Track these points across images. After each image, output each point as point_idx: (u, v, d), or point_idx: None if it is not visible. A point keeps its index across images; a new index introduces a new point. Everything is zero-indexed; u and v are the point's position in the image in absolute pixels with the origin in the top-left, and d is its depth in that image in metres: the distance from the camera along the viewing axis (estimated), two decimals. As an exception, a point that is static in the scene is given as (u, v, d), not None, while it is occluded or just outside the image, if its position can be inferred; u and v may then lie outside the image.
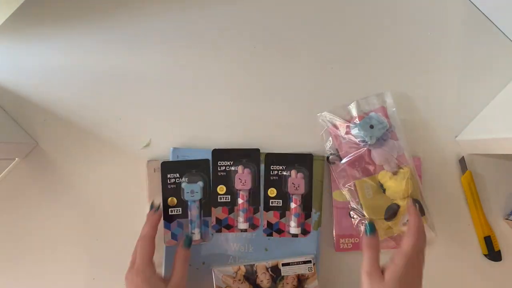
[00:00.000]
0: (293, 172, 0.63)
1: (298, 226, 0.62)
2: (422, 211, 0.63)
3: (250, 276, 0.61)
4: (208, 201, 0.63)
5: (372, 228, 0.57)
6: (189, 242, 0.58)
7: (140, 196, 0.65)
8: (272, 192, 0.63)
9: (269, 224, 0.63)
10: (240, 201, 0.62)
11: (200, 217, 0.62)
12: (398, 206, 0.62)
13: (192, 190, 0.61)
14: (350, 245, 0.65)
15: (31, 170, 0.65)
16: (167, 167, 0.62)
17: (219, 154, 0.63)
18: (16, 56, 0.66)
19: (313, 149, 0.65)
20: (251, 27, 0.67)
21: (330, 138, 0.65)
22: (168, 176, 0.62)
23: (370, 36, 0.68)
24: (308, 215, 0.63)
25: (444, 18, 0.68)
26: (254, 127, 0.66)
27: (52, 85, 0.66)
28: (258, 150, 0.63)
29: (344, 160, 0.63)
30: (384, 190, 0.63)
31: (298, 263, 0.61)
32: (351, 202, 0.64)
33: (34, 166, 0.66)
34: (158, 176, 0.63)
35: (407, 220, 0.61)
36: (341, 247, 0.65)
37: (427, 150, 0.67)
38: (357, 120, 0.63)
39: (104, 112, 0.66)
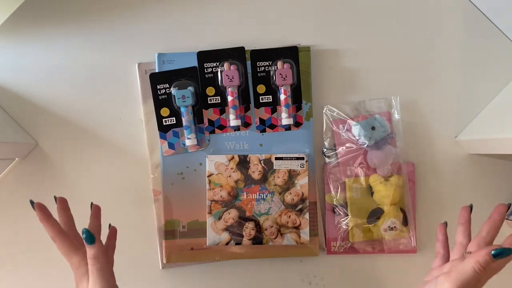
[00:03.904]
0: (279, 63, 0.63)
1: (289, 117, 0.63)
2: (405, 222, 0.64)
3: (243, 166, 0.63)
4: (200, 108, 0.64)
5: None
6: (89, 237, 0.47)
7: (140, 196, 0.65)
8: (261, 88, 0.64)
9: (262, 121, 0.65)
10: (229, 98, 0.63)
11: (194, 123, 0.63)
12: (382, 211, 0.63)
13: (183, 95, 0.61)
14: (341, 249, 0.65)
15: (31, 170, 0.66)
16: (156, 78, 0.63)
17: (204, 56, 0.64)
18: (16, 56, 0.66)
19: (297, 43, 0.66)
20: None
21: (330, 133, 0.65)
22: (158, 87, 0.63)
23: (369, 35, 0.68)
24: (299, 107, 0.64)
25: (444, 18, 0.68)
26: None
27: (52, 85, 0.66)
28: (243, 48, 0.64)
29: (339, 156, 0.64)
30: (372, 193, 0.63)
31: (291, 158, 0.63)
32: (335, 201, 0.65)
33: (34, 166, 0.66)
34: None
35: (389, 227, 0.62)
36: (333, 250, 0.66)
37: (427, 150, 0.67)
38: (360, 119, 0.63)
39: (104, 112, 0.66)
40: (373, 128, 0.63)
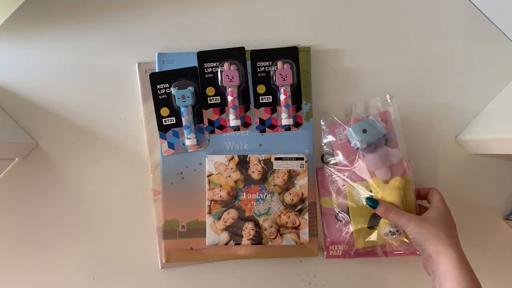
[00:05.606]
0: (279, 63, 0.63)
1: (289, 117, 0.63)
2: None
3: (242, 166, 0.63)
4: (200, 108, 0.64)
5: (374, 202, 0.58)
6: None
7: (140, 196, 0.66)
8: (261, 88, 0.64)
9: (261, 121, 0.65)
10: (229, 98, 0.63)
11: (194, 122, 0.63)
12: None
13: (183, 95, 0.61)
14: (339, 252, 0.65)
15: (31, 170, 0.66)
16: (156, 78, 0.63)
17: (204, 56, 0.64)
18: (16, 56, 0.66)
19: (298, 43, 0.66)
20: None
21: (328, 137, 0.64)
22: (158, 86, 0.63)
23: (369, 35, 0.68)
24: (299, 108, 0.64)
25: (444, 18, 0.68)
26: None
27: (52, 85, 0.66)
28: (243, 48, 0.64)
29: (337, 160, 0.63)
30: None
31: (290, 159, 0.63)
32: (336, 207, 0.63)
33: (34, 166, 0.66)
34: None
35: (390, 232, 0.61)
36: (331, 254, 0.65)
37: (427, 150, 0.67)
38: (353, 122, 0.62)
39: (104, 112, 0.66)
40: (364, 131, 0.61)
